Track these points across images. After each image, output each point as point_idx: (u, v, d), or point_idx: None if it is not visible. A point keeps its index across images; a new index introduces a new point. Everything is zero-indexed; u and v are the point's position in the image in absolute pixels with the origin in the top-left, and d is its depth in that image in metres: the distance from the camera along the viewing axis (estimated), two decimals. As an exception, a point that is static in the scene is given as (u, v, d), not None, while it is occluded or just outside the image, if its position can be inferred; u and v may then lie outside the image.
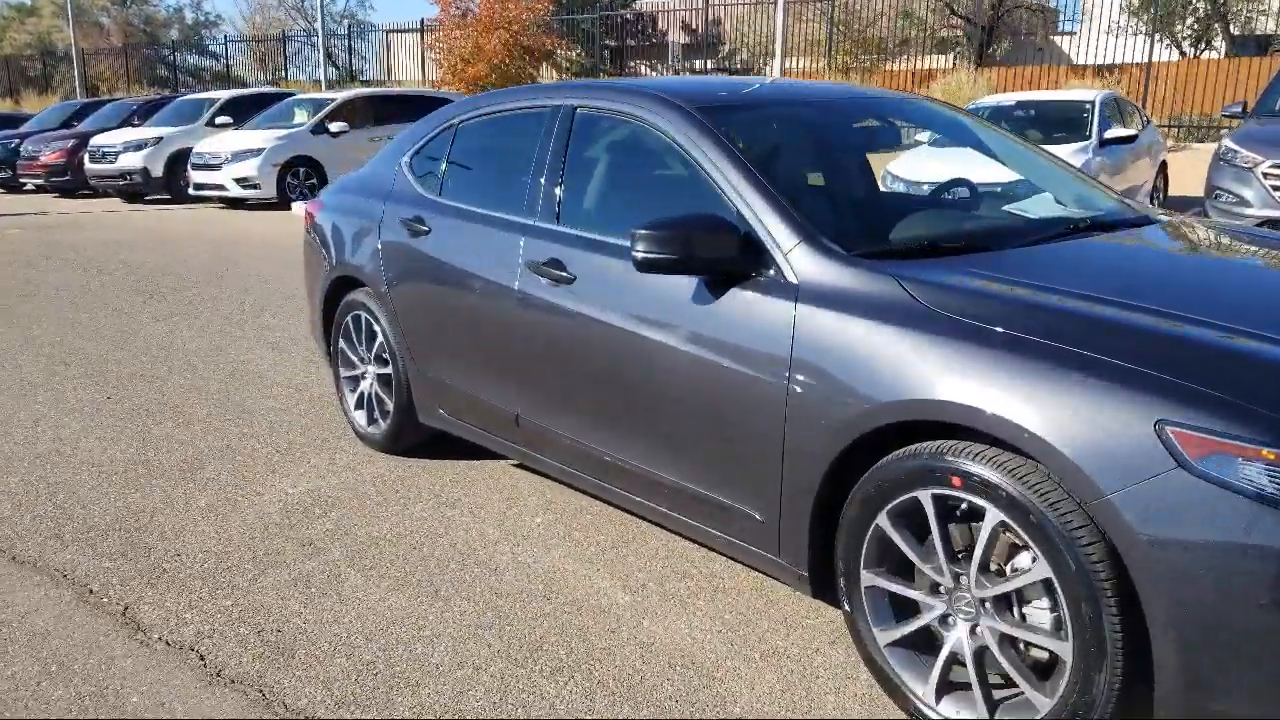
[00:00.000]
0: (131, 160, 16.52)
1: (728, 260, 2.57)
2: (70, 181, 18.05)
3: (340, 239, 4.34)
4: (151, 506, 3.72)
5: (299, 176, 15.43)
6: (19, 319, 7.25)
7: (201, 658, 2.67)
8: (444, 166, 3.90)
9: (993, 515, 1.97)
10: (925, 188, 3.66)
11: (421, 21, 24.37)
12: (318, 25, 34.43)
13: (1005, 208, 3.24)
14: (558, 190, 3.27)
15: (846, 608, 2.33)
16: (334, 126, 15.66)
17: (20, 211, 15.61)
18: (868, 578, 2.25)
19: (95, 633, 2.81)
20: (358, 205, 4.28)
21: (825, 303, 2.36)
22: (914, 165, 7.01)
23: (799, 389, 2.35)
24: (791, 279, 2.47)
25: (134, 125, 18.39)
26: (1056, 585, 1.90)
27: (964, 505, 2.05)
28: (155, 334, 6.71)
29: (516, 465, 4.07)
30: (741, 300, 2.53)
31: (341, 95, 16.64)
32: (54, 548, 3.38)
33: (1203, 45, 29.11)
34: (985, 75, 17.73)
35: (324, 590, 3.05)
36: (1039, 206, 3.16)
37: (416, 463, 4.15)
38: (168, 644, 2.75)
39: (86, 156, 17.12)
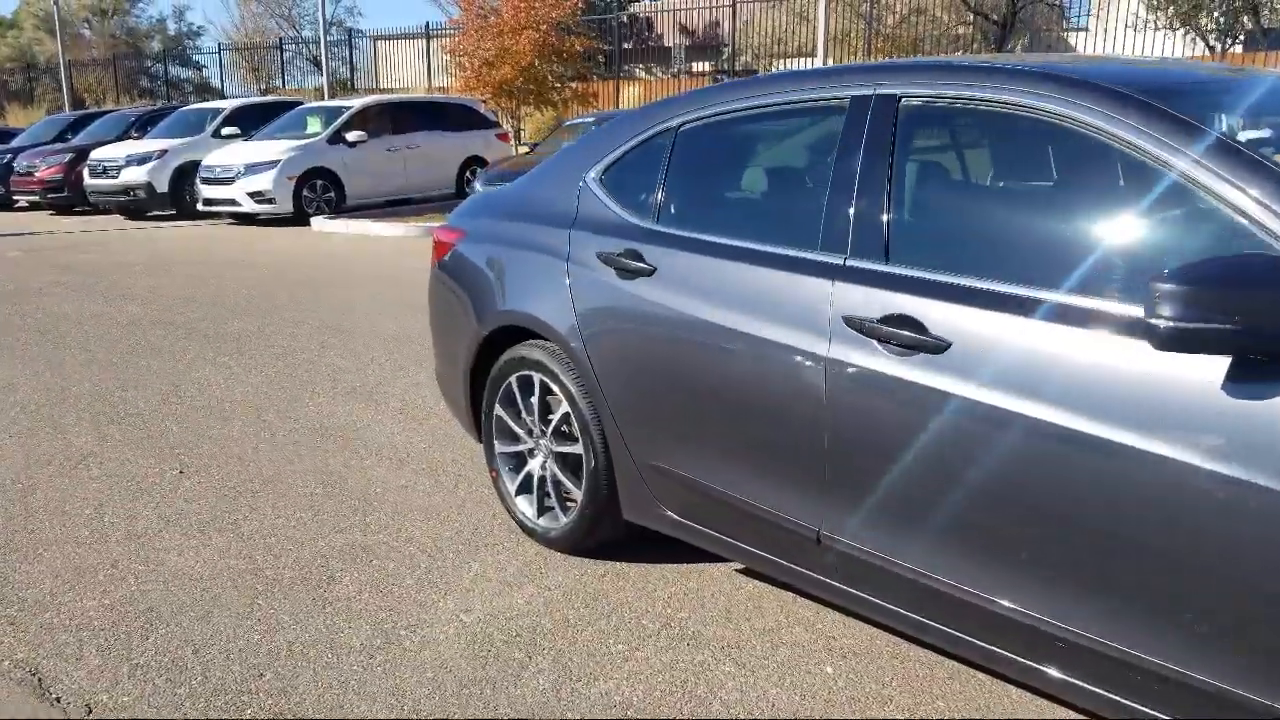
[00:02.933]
0: (135, 175, 15.50)
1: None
2: (68, 198, 17.04)
3: (501, 278, 3.39)
4: (288, 647, 2.76)
5: (316, 190, 14.47)
6: (45, 362, 6.25)
7: None
8: (662, 184, 2.95)
9: None
10: None
11: (427, 25, 23.39)
12: (306, 33, 33.45)
13: None
14: (884, 215, 2.32)
15: None
16: (351, 136, 14.73)
17: (19, 231, 14.56)
18: None
19: None
20: (525, 234, 3.32)
21: None
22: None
23: None
24: None
25: (133, 138, 17.38)
26: None
27: None
28: (210, 381, 5.72)
29: (740, 571, 3.13)
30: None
31: (357, 103, 15.69)
32: (174, 727, 2.41)
33: (1229, 39, 28.32)
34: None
35: (592, 806, 2.10)
36: None
37: (609, 568, 3.21)
38: None
39: (86, 171, 16.10)
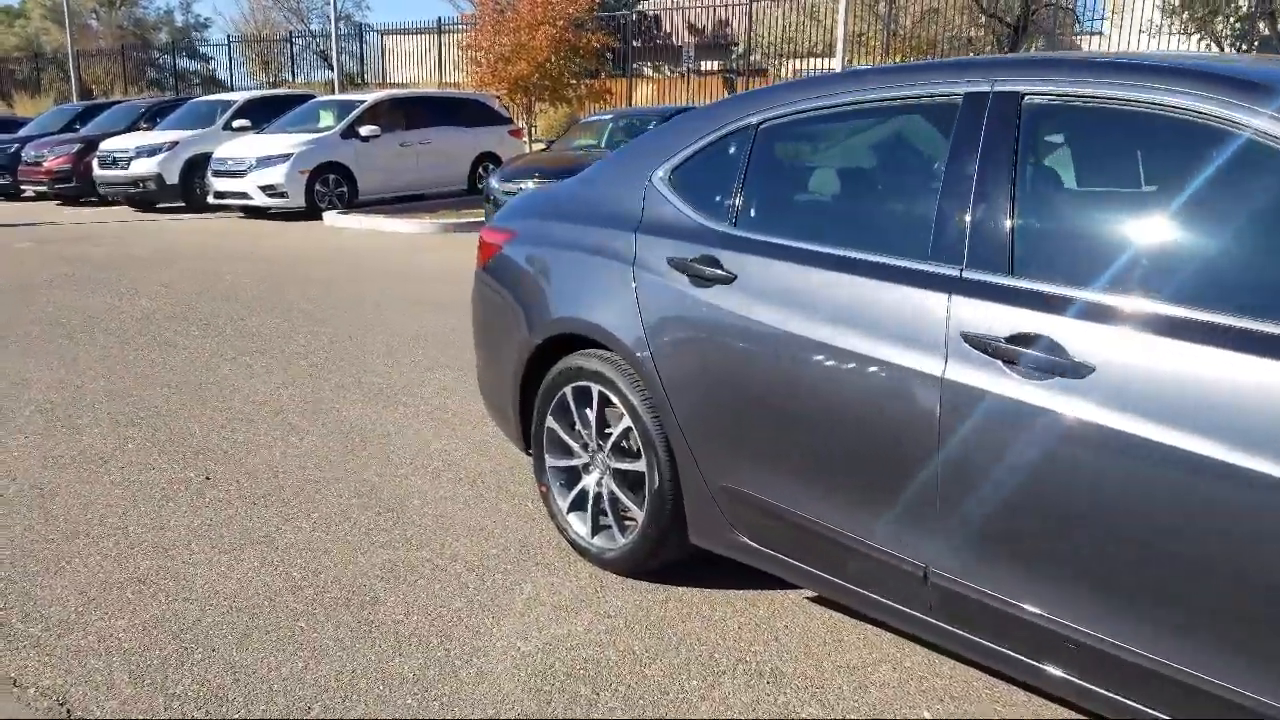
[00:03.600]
0: (145, 166, 15.29)
1: None
2: (76, 188, 16.84)
3: (556, 283, 3.20)
4: (335, 677, 2.56)
5: (328, 184, 14.26)
6: (59, 358, 6.05)
7: None
8: (740, 185, 2.75)
9: None
10: None
11: (439, 20, 23.20)
12: (314, 27, 33.23)
13: None
14: (1006, 223, 2.12)
15: None
16: (365, 130, 14.51)
17: (27, 221, 14.36)
18: None
19: None
20: (583, 237, 3.13)
21: None
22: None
23: None
24: None
25: (143, 129, 17.18)
26: None
27: None
28: (231, 380, 5.52)
29: (811, 599, 2.93)
30: None
31: (371, 97, 15.48)
32: (218, 768, 2.22)
33: (1244, 45, 28.08)
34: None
35: None
36: None
37: (670, 593, 3.01)
38: None
39: (95, 162, 15.89)
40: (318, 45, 31.04)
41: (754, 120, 2.77)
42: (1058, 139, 2.29)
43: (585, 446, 3.18)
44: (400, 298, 8.01)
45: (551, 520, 3.37)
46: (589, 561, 3.20)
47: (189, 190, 15.48)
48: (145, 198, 15.60)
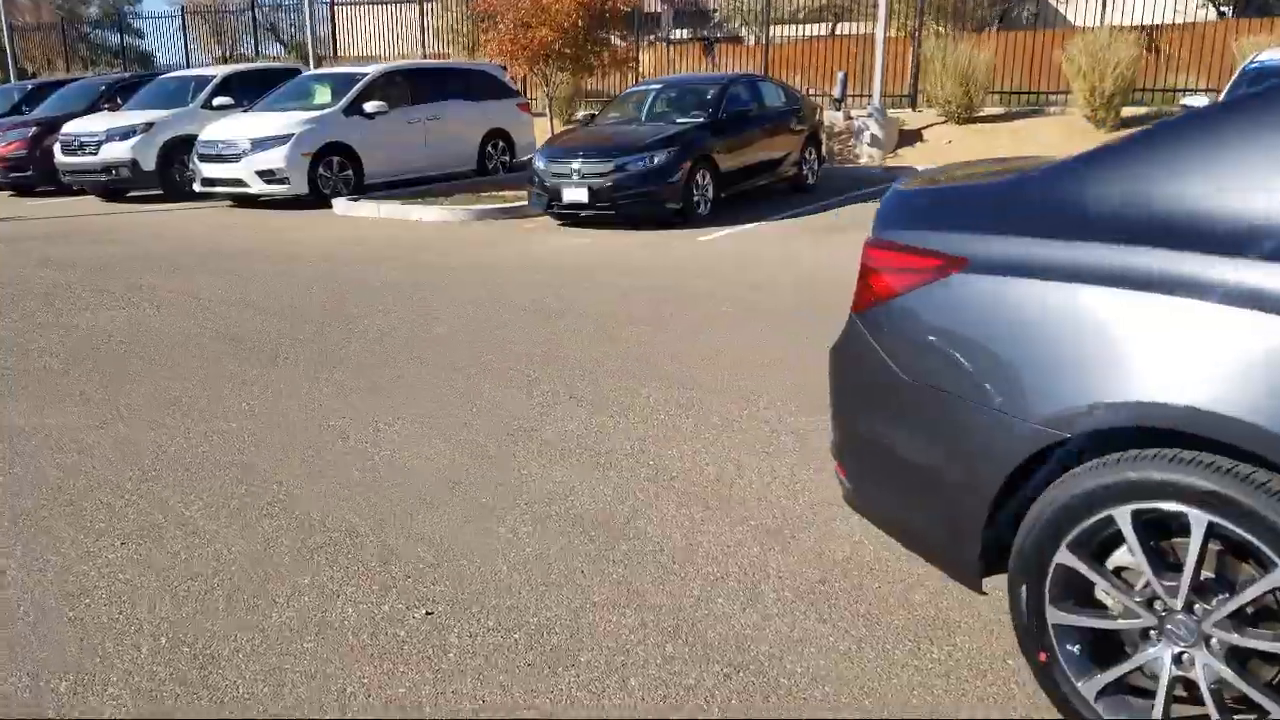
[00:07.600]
0: (118, 151, 13.63)
1: None
2: (31, 176, 15.08)
3: (1088, 342, 2.00)
4: None
5: (331, 168, 12.75)
6: (105, 402, 4.69)
7: None
8: None
9: None
10: None
11: (421, -14, 21.50)
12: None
13: None
14: None
15: None
16: (370, 106, 13.02)
17: (-14, 216, 12.66)
18: None
19: None
20: (1135, 264, 1.94)
21: None
22: None
23: None
24: None
25: (106, 109, 15.45)
26: None
27: None
28: (349, 430, 4.23)
29: None
30: None
31: (373, 69, 13.96)
32: None
33: (1234, 6, 27.48)
34: (1126, 36, 15.29)
35: None
36: None
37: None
38: None
39: (58, 147, 14.17)
40: (267, 18, 28.99)
41: None
42: None
43: (1150, 602, 2.00)
44: (479, 301, 6.70)
45: (1056, 703, 2.19)
46: (1145, 778, 2.03)
47: (167, 177, 13.87)
48: (118, 186, 13.95)
